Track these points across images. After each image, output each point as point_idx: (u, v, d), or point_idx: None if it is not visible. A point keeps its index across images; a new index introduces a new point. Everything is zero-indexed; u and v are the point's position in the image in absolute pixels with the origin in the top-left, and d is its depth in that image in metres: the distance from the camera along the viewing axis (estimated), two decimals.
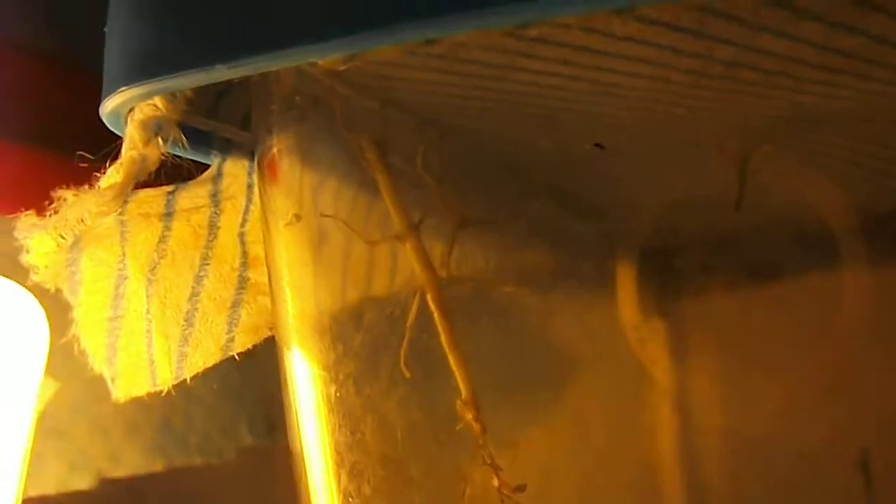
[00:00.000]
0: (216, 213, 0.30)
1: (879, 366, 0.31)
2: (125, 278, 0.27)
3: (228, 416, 0.52)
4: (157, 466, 0.49)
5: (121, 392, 0.28)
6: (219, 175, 0.32)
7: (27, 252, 0.26)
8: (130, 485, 0.48)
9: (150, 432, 0.48)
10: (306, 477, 0.29)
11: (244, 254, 0.31)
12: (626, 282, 0.35)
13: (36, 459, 0.44)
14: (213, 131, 0.29)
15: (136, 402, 0.49)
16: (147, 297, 0.28)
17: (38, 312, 0.34)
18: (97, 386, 0.47)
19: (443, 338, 0.27)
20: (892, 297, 0.33)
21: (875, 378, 0.32)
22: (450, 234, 0.32)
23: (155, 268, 0.28)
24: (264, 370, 0.55)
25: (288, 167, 0.32)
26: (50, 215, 0.27)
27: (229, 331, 0.30)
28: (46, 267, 0.25)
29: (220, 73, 0.21)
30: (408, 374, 0.26)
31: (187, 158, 0.31)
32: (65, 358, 0.44)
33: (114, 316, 0.27)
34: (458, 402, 0.27)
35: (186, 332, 0.29)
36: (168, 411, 0.49)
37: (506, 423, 0.32)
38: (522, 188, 0.37)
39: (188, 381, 0.28)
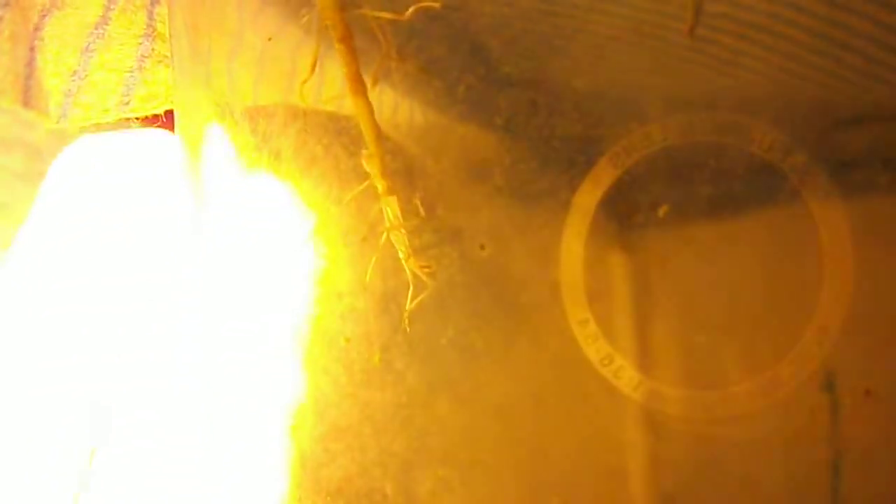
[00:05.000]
0: None
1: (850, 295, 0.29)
2: (7, 5, 0.25)
3: None
4: None
5: None
6: None
7: None
8: None
9: None
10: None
11: (151, 27, 0.29)
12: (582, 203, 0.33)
13: None
14: None
15: None
16: (33, 38, 0.26)
17: None
18: None
19: (347, 78, 0.24)
20: (862, 228, 0.31)
21: (842, 309, 0.30)
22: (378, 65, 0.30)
23: (46, 15, 0.26)
24: None
25: None
26: None
27: (126, 93, 0.28)
28: None
29: None
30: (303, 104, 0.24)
31: None
32: None
33: None
34: (363, 153, 0.24)
35: (74, 84, 0.27)
36: None
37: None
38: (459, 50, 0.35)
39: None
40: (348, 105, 0.28)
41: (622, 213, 0.32)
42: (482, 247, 0.27)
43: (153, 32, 0.28)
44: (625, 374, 0.30)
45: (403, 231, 0.25)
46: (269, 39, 0.27)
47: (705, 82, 0.31)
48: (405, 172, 0.29)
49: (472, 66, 0.32)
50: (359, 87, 0.25)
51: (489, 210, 0.31)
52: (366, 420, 0.29)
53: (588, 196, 0.32)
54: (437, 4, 0.26)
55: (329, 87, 0.30)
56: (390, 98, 0.31)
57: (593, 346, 0.31)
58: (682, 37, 0.30)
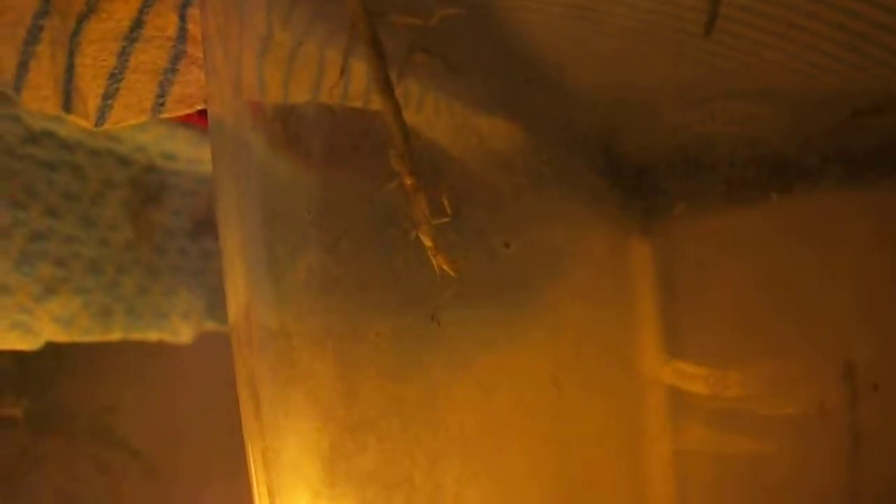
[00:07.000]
0: None
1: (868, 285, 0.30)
2: (46, 13, 0.26)
3: (186, 294, 0.50)
4: (113, 335, 0.47)
5: (26, 102, 0.27)
6: None
7: None
8: (80, 348, 0.46)
9: (99, 296, 0.46)
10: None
11: (183, 28, 0.29)
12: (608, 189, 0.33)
13: None
14: None
15: (87, 264, 0.48)
16: (72, 43, 0.26)
17: None
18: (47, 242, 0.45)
19: (375, 80, 0.25)
20: (880, 216, 0.31)
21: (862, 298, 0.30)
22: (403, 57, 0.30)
23: (83, 20, 0.27)
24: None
25: None
26: None
27: (161, 94, 0.28)
28: None
29: None
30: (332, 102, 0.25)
31: None
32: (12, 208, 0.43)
33: (30, 40, 0.26)
34: (391, 153, 0.25)
35: (111, 87, 0.27)
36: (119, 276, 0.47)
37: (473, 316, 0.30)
38: (487, 43, 0.35)
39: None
40: (375, 101, 0.29)
41: (645, 204, 0.33)
42: (507, 245, 0.28)
43: (185, 35, 0.29)
44: (651, 354, 0.31)
45: (431, 227, 0.26)
46: (300, 44, 0.27)
47: (726, 74, 0.31)
48: (430, 168, 0.30)
49: (494, 64, 0.32)
50: (387, 88, 0.26)
51: (513, 206, 0.32)
52: (394, 412, 0.29)
53: (611, 187, 0.32)
54: (460, 11, 0.26)
55: (356, 83, 0.31)
56: (416, 92, 0.31)
57: (619, 328, 0.32)
58: (700, 30, 0.30)
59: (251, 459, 0.31)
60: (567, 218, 0.33)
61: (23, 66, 0.26)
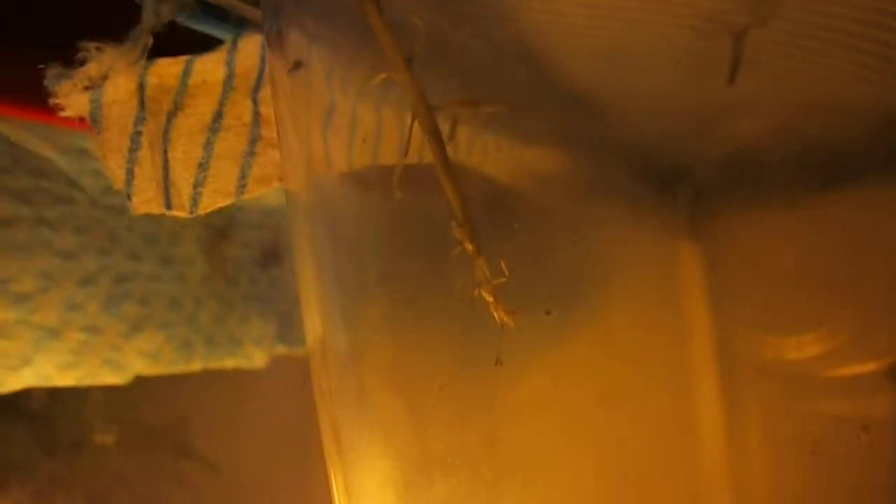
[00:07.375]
0: (230, 76, 0.32)
1: None
2: (143, 119, 0.29)
3: (257, 321, 0.54)
4: (194, 366, 0.51)
5: (136, 208, 0.31)
6: (234, 47, 0.34)
7: (55, 96, 0.29)
8: (166, 381, 0.50)
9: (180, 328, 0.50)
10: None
11: (257, 113, 0.33)
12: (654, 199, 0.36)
13: (68, 353, 0.47)
14: (228, 7, 0.32)
15: (168, 300, 0.52)
16: (164, 141, 0.30)
17: None
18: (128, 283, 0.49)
19: (435, 163, 0.28)
20: None
21: None
22: (454, 113, 0.33)
23: (171, 118, 0.31)
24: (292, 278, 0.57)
25: (293, 40, 0.34)
26: (76, 67, 0.29)
27: (242, 177, 0.32)
28: (70, 105, 0.28)
29: None
30: (399, 195, 0.28)
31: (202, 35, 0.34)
32: (98, 254, 0.47)
33: (132, 148, 0.30)
34: (453, 225, 0.28)
35: (200, 176, 0.31)
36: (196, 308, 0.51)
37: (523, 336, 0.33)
38: (534, 82, 0.38)
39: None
40: (427, 155, 0.32)
41: (692, 211, 0.35)
42: (547, 312, 0.31)
43: (259, 119, 0.33)
44: (702, 321, 0.33)
45: (491, 286, 0.30)
46: (364, 141, 0.31)
47: (768, 88, 0.33)
48: (482, 199, 0.33)
49: (537, 98, 0.35)
50: (446, 168, 0.29)
51: (562, 224, 0.35)
52: (459, 448, 0.33)
53: (659, 199, 0.35)
54: (506, 108, 0.29)
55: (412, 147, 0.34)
56: (465, 138, 0.35)
57: (671, 336, 0.35)
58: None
59: (335, 490, 0.35)
60: (616, 231, 0.36)
61: (130, 174, 0.30)
